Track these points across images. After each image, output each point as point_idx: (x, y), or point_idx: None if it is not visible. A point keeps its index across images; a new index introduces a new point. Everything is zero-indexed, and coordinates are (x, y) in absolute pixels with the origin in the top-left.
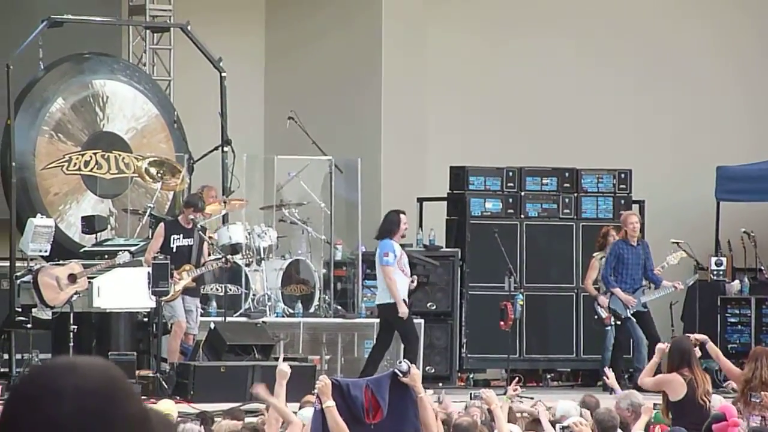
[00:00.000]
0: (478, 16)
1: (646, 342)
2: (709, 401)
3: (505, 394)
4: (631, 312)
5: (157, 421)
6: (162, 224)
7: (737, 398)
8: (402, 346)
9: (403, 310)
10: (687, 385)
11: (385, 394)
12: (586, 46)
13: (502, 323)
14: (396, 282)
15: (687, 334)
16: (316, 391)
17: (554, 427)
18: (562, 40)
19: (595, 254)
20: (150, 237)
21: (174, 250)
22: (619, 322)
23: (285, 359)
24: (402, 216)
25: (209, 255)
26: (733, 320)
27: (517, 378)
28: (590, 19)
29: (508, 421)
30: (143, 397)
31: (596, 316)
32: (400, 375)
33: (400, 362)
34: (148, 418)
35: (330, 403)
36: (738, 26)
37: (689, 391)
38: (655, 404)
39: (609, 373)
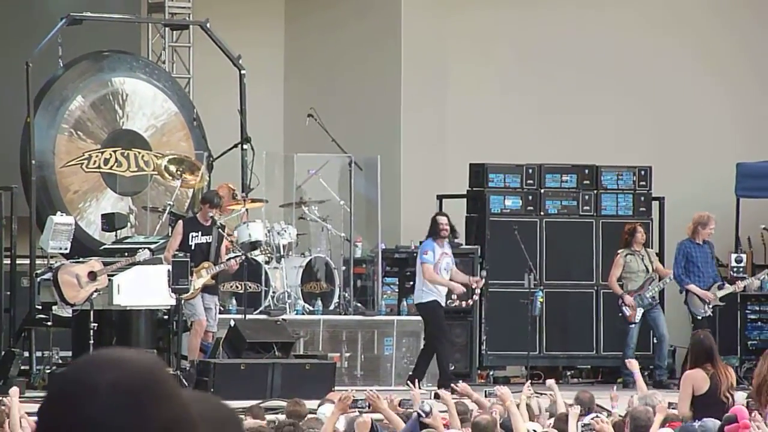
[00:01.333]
0: (497, 15)
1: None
2: (732, 397)
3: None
4: (711, 309)
5: (214, 417)
6: (180, 222)
7: (753, 396)
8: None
9: (454, 289)
10: (710, 379)
11: None
12: (606, 41)
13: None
14: (436, 278)
15: (708, 330)
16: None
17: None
18: (581, 35)
19: (619, 251)
20: (169, 235)
21: (192, 247)
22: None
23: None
24: (439, 218)
25: (226, 253)
26: (753, 317)
27: (528, 382)
28: (615, 11)
29: (529, 419)
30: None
31: (620, 314)
32: (423, 416)
33: (423, 403)
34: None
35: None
36: (758, 21)
37: (712, 385)
38: (669, 403)
39: (633, 362)
